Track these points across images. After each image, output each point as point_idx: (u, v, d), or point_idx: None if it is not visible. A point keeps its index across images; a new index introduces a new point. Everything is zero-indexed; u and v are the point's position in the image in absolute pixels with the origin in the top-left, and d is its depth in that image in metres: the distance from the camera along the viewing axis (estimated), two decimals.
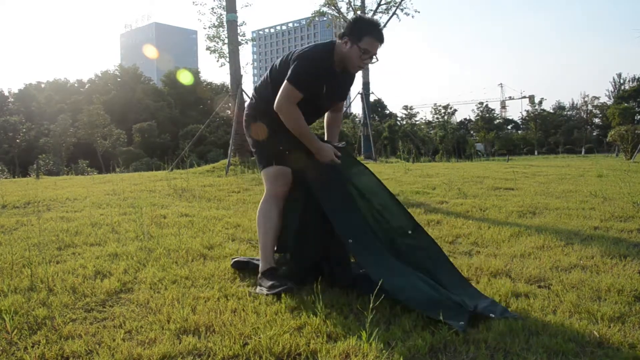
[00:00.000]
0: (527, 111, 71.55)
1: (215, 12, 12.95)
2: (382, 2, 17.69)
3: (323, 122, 3.02)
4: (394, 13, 17.72)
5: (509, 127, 77.97)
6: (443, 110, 75.21)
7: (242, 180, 7.63)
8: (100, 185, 7.30)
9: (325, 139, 2.88)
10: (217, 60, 12.66)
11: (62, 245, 3.45)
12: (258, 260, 2.89)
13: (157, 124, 55.10)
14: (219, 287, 2.54)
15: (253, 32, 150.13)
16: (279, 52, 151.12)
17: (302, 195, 2.66)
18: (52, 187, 7.25)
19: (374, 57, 2.58)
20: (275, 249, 2.73)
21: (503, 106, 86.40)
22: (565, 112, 72.81)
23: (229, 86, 12.27)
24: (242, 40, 12.15)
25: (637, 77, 65.85)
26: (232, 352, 1.82)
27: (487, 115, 73.33)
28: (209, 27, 13.06)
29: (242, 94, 10.89)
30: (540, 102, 69.94)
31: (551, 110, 72.36)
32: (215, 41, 12.92)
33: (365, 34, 2.53)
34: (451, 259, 3.05)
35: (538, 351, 1.79)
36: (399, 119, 67.13)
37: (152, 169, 14.86)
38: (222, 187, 6.88)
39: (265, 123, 2.67)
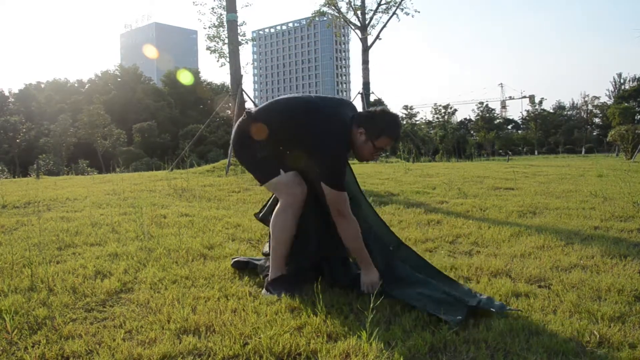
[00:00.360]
0: (527, 111, 71.62)
1: (215, 12, 12.94)
2: (382, 2, 17.71)
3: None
4: (394, 13, 17.74)
5: (509, 127, 78.00)
6: (443, 110, 75.28)
7: (242, 180, 7.63)
8: (101, 185, 7.30)
9: None
10: (217, 60, 12.65)
11: (62, 245, 3.45)
12: (258, 260, 2.89)
13: (157, 124, 55.14)
14: (219, 287, 2.54)
15: (253, 32, 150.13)
16: (279, 52, 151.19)
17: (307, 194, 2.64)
18: (52, 187, 7.25)
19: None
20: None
21: (503, 106, 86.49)
22: (565, 112, 72.83)
23: (229, 86, 12.27)
24: (242, 40, 12.13)
25: (637, 76, 65.91)
26: (232, 352, 1.82)
27: (487, 115, 73.37)
28: (209, 27, 13.05)
29: (242, 94, 10.88)
30: (541, 102, 70.02)
31: (551, 110, 72.39)
32: (215, 41, 12.91)
33: (384, 134, 2.45)
34: (451, 259, 3.06)
35: (538, 351, 1.79)
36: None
37: (152, 168, 14.87)
38: (222, 187, 6.88)
39: (264, 126, 2.55)
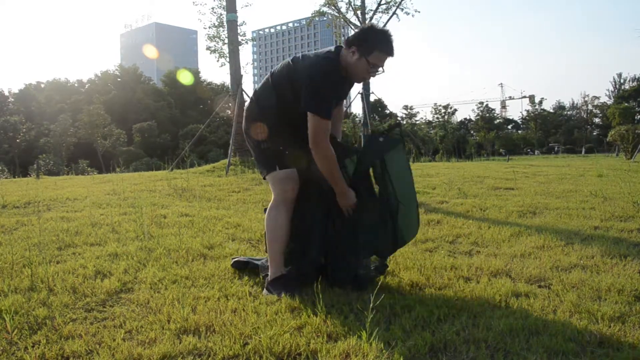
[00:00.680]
0: (527, 111, 71.63)
1: (215, 12, 12.96)
2: (382, 2, 17.70)
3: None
4: (394, 13, 17.73)
5: (509, 126, 78.01)
6: (443, 110, 75.28)
7: (242, 180, 7.63)
8: (101, 185, 7.30)
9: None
10: (217, 60, 12.67)
11: (62, 245, 3.45)
12: (258, 260, 2.89)
13: (157, 124, 55.15)
14: (219, 287, 2.54)
15: (253, 32, 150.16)
16: (279, 52, 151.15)
17: (301, 196, 2.64)
18: (52, 187, 7.25)
19: (381, 68, 2.50)
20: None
21: (503, 106, 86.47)
22: (565, 112, 72.83)
23: (229, 86, 12.27)
24: (242, 40, 12.15)
25: (637, 76, 65.88)
26: (232, 352, 1.82)
27: (488, 115, 73.39)
28: (209, 27, 13.07)
29: (242, 94, 10.89)
30: (541, 102, 70.04)
31: (551, 110, 72.40)
32: (215, 41, 12.93)
33: (375, 48, 2.44)
34: (451, 259, 3.06)
35: (538, 351, 1.79)
36: (399, 118, 67.12)
37: (152, 168, 14.86)
38: (222, 187, 6.88)
39: (265, 125, 2.61)
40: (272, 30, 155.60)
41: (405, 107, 76.20)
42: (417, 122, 73.20)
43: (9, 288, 2.51)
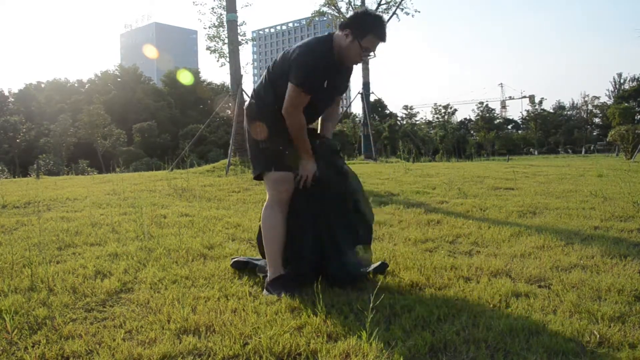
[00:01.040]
0: (528, 111, 71.62)
1: (215, 12, 12.96)
2: (382, 2, 17.72)
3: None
4: (394, 13, 17.76)
5: (509, 126, 78.01)
6: (443, 110, 75.29)
7: (242, 180, 7.63)
8: (101, 185, 7.30)
9: (319, 132, 2.82)
10: (217, 60, 12.67)
11: (62, 245, 3.45)
12: (258, 260, 2.89)
13: (157, 124, 55.16)
14: (219, 287, 2.54)
15: (253, 32, 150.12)
16: (279, 52, 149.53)
17: (298, 197, 2.64)
18: (52, 187, 7.25)
19: (372, 53, 2.53)
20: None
21: (503, 106, 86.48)
22: (565, 112, 72.84)
23: (229, 86, 12.27)
24: (242, 40, 12.14)
25: (637, 76, 65.88)
26: (232, 352, 1.82)
27: (488, 115, 73.36)
28: (209, 27, 13.07)
29: (242, 94, 10.88)
30: (541, 102, 70.04)
31: (551, 110, 72.40)
32: (215, 41, 12.93)
33: (370, 32, 2.47)
34: (451, 259, 3.06)
35: (538, 351, 1.79)
36: (399, 118, 67.17)
37: (152, 168, 14.86)
38: (223, 187, 6.88)
39: (265, 124, 2.61)
40: (272, 30, 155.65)
41: (405, 107, 76.22)
42: (417, 122, 73.26)
43: (9, 288, 2.51)
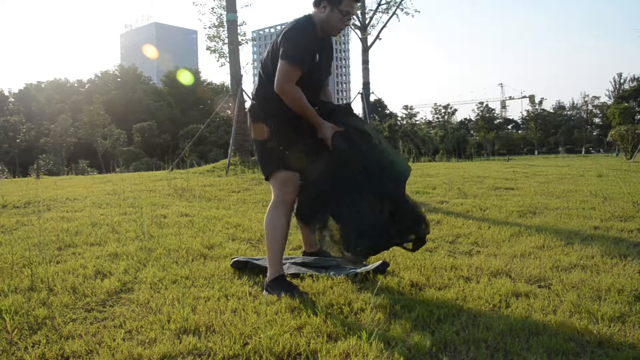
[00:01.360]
0: (528, 111, 71.65)
1: (215, 12, 12.98)
2: (382, 2, 17.71)
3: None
4: (394, 13, 17.74)
5: (509, 126, 78.02)
6: (443, 110, 75.31)
7: (242, 180, 7.63)
8: (101, 185, 7.30)
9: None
10: (217, 60, 12.69)
11: (62, 245, 3.45)
12: (258, 260, 2.89)
13: (157, 124, 55.13)
14: (219, 287, 2.54)
15: (253, 32, 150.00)
16: None
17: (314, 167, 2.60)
18: (52, 187, 7.25)
19: (352, 16, 2.60)
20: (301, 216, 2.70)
21: (503, 106, 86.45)
22: (565, 112, 72.85)
23: (229, 86, 12.27)
24: (242, 40, 12.16)
25: (637, 76, 65.88)
26: (232, 352, 1.82)
27: (488, 115, 73.38)
28: (209, 27, 13.09)
29: (242, 94, 10.88)
30: (541, 102, 70.13)
31: (551, 110, 72.41)
32: (215, 41, 12.94)
33: None
34: (451, 259, 3.06)
35: (538, 351, 1.79)
36: (399, 118, 67.16)
37: (152, 168, 14.87)
38: (222, 186, 6.88)
39: (270, 122, 2.61)
40: (272, 30, 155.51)
41: (405, 107, 76.20)
42: (417, 122, 73.23)
43: (9, 288, 2.51)
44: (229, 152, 10.40)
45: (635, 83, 64.65)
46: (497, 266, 2.86)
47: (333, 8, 2.54)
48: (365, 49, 17.78)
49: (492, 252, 3.26)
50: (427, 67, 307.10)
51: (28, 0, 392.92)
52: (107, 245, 3.43)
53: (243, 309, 2.22)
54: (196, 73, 67.69)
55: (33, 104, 58.00)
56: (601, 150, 51.79)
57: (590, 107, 69.15)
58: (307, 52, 2.51)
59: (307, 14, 2.65)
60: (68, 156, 44.31)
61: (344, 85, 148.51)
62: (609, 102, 66.26)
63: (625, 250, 3.15)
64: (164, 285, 2.60)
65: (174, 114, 60.53)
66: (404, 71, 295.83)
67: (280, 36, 2.55)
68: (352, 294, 2.42)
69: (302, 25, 2.55)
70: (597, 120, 69.18)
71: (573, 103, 74.24)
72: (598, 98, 68.80)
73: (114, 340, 1.93)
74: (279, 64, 2.47)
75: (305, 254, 3.10)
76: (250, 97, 2.82)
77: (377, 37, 18.08)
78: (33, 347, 1.89)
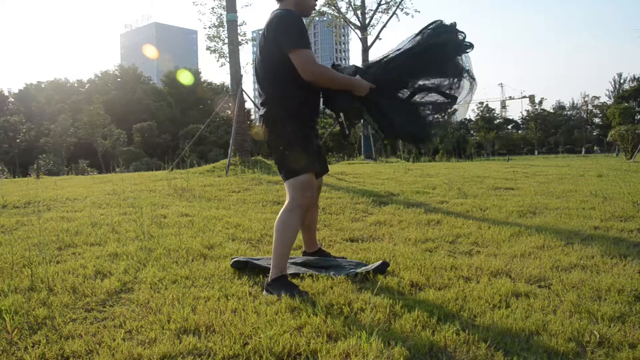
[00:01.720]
0: (527, 111, 71.65)
1: (215, 12, 13.00)
2: (382, 2, 17.73)
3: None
4: (394, 13, 17.77)
5: (509, 126, 78.00)
6: None
7: (242, 180, 7.63)
8: (101, 185, 7.30)
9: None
10: (217, 60, 12.71)
11: (62, 245, 3.45)
12: (258, 260, 2.89)
13: (157, 124, 55.13)
14: (219, 287, 2.54)
15: (253, 32, 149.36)
16: None
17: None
18: (52, 187, 7.25)
19: None
20: None
21: (503, 106, 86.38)
22: (565, 112, 72.85)
23: (229, 86, 12.27)
24: (242, 40, 12.17)
25: (637, 76, 65.86)
26: (232, 352, 1.82)
27: (488, 115, 73.32)
28: (209, 27, 13.10)
29: (242, 94, 10.87)
30: (541, 102, 70.11)
31: (551, 110, 72.40)
32: (215, 41, 12.96)
33: None
34: (451, 259, 3.06)
35: (538, 351, 1.79)
36: None
37: (152, 168, 14.87)
38: (223, 186, 6.88)
39: (290, 125, 2.58)
40: None
41: None
42: None
43: (9, 288, 2.51)
44: (229, 152, 10.39)
45: (635, 83, 64.64)
46: (497, 266, 2.86)
47: None
48: (365, 49, 17.79)
49: (492, 252, 3.26)
50: None
51: (28, 0, 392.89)
52: (107, 245, 3.43)
53: (243, 309, 2.22)
54: (196, 73, 67.69)
55: (33, 104, 57.98)
56: (597, 149, 51.92)
57: (590, 107, 69.20)
58: (306, 34, 2.54)
59: (277, 9, 2.62)
60: (68, 156, 44.32)
61: None
62: (609, 102, 66.28)
63: (625, 250, 3.15)
64: (164, 285, 2.60)
65: (174, 114, 60.53)
66: None
67: (270, 35, 2.53)
68: (352, 294, 2.42)
69: (289, 15, 2.54)
70: (597, 120, 69.19)
71: (573, 103, 74.36)
72: (598, 98, 68.90)
73: (114, 340, 1.93)
74: (292, 56, 2.45)
75: (305, 254, 3.10)
76: (259, 107, 2.77)
77: (377, 37, 18.11)
78: (33, 347, 1.89)
